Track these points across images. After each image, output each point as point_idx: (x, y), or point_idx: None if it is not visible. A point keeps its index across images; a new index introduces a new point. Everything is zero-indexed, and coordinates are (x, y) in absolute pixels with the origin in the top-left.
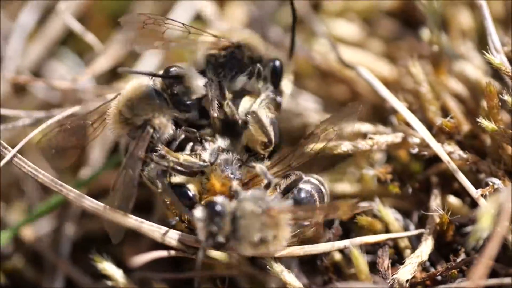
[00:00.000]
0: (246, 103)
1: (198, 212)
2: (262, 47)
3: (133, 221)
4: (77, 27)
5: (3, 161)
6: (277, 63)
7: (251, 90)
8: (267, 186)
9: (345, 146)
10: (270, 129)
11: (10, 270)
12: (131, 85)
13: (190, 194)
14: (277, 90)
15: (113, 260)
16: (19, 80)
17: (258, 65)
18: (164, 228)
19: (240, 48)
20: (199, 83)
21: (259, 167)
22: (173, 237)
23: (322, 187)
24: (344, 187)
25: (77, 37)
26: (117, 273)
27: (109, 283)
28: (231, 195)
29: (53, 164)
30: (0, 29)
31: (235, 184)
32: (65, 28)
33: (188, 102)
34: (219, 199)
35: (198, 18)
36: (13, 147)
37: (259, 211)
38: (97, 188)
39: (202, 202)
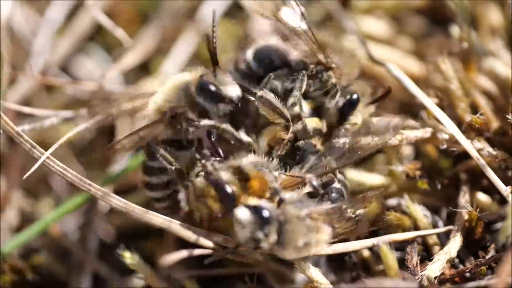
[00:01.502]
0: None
1: (243, 215)
2: (352, 74)
3: (160, 219)
4: (106, 22)
5: (36, 164)
6: (354, 97)
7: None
8: (312, 195)
9: (375, 141)
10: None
11: (38, 265)
12: (171, 81)
13: (229, 189)
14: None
15: (141, 257)
16: (47, 79)
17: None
18: (193, 228)
19: (328, 71)
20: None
21: (309, 176)
22: (202, 235)
23: (347, 183)
24: (373, 182)
25: (105, 32)
26: (145, 269)
27: (138, 279)
28: (271, 197)
29: (83, 159)
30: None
31: (277, 186)
32: (93, 23)
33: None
34: (265, 204)
35: (228, 14)
36: (40, 146)
37: (303, 215)
38: (124, 185)
39: (245, 204)
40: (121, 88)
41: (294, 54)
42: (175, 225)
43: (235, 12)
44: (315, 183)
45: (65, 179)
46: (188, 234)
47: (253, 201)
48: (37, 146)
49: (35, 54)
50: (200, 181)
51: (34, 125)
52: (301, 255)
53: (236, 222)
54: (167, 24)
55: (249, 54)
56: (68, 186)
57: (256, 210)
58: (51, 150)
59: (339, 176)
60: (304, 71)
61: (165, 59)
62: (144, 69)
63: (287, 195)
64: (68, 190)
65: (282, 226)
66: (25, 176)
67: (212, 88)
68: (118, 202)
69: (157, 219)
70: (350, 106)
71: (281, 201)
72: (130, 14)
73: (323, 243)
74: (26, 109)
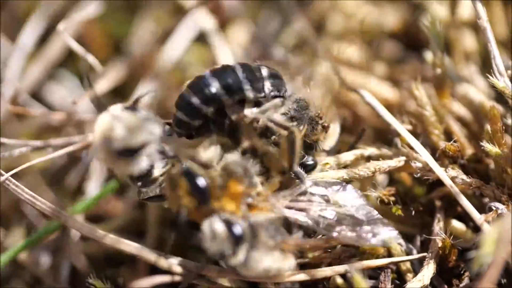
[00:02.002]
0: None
1: (217, 227)
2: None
3: (132, 247)
4: (77, 48)
5: None
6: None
7: None
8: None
9: (347, 174)
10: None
11: None
12: None
13: (202, 182)
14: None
15: (112, 285)
16: (18, 107)
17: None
18: (164, 254)
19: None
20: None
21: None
22: (173, 262)
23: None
24: None
25: (76, 58)
26: None
27: None
28: (243, 215)
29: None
30: None
31: (244, 209)
32: (64, 49)
33: None
34: (239, 222)
35: (200, 39)
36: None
37: (273, 244)
38: (95, 213)
39: (221, 216)
40: (93, 114)
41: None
42: (146, 252)
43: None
44: (285, 213)
45: (35, 207)
46: (159, 261)
47: (227, 215)
48: (12, 179)
49: (5, 81)
50: (174, 171)
51: (3, 153)
52: (261, 277)
53: (208, 231)
54: (139, 50)
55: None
56: (40, 215)
57: (229, 225)
58: (11, 172)
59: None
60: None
61: (136, 86)
62: (117, 95)
63: (260, 217)
64: (40, 219)
65: (250, 251)
66: None
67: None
68: (89, 230)
69: (129, 246)
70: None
71: (248, 222)
72: (102, 40)
73: (287, 269)
74: None
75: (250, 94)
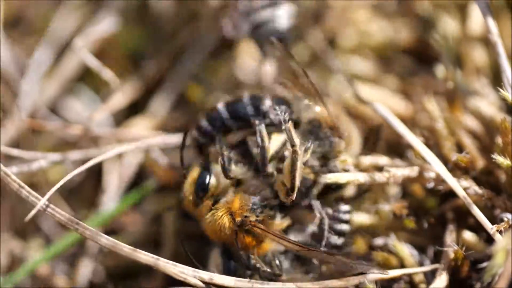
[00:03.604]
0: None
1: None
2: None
3: (148, 257)
4: (93, 63)
5: (34, 210)
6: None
7: None
8: None
9: (363, 178)
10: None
11: None
12: None
13: (207, 180)
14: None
15: None
16: (35, 121)
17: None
18: (180, 265)
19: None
20: None
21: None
22: (189, 273)
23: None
24: (361, 221)
25: (93, 73)
26: None
27: None
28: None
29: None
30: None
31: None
32: (81, 64)
33: None
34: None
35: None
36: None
37: None
38: (113, 225)
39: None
40: (109, 129)
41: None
42: (162, 263)
43: (222, 51)
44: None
45: (54, 219)
46: (176, 271)
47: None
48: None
49: (23, 96)
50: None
51: (22, 167)
52: None
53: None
54: (154, 65)
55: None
56: (57, 227)
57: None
58: (48, 195)
59: None
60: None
61: (153, 99)
62: (133, 109)
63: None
64: (57, 231)
65: None
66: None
67: None
68: (106, 241)
69: (145, 257)
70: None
71: None
72: (118, 55)
73: None
74: (14, 151)
75: (256, 121)
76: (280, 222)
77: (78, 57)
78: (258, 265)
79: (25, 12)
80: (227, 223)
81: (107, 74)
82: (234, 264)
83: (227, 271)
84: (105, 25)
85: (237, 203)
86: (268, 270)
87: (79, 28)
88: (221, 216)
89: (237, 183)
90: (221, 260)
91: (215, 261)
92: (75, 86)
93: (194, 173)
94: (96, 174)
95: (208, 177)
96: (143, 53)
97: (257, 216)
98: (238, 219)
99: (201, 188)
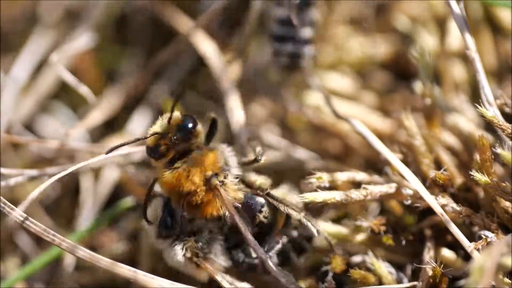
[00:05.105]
0: None
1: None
2: None
3: (127, 270)
4: (70, 79)
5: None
6: None
7: None
8: None
9: (339, 196)
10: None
11: None
12: None
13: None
14: None
15: None
16: (12, 137)
17: None
18: (158, 278)
19: None
20: None
21: None
22: (167, 286)
23: None
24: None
25: (70, 90)
26: None
27: None
28: None
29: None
30: None
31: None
32: (58, 81)
33: None
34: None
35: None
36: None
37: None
38: (90, 243)
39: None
40: (86, 145)
41: None
42: (140, 276)
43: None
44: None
45: (30, 233)
46: (154, 285)
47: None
48: (6, 202)
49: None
50: None
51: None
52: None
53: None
54: (132, 81)
55: None
56: (34, 245)
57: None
58: (24, 204)
59: None
60: None
61: (130, 117)
62: (110, 126)
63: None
64: (34, 249)
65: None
66: None
67: None
68: (84, 253)
69: (123, 270)
70: None
71: None
72: (94, 71)
73: None
74: None
75: None
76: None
77: (55, 73)
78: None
79: (2, 28)
80: (197, 176)
81: (84, 90)
82: (171, 221)
83: (163, 225)
84: (82, 41)
85: (211, 158)
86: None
87: (56, 45)
88: (191, 168)
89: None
90: (160, 212)
91: (154, 212)
92: (51, 103)
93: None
94: (72, 192)
95: (192, 122)
96: (120, 70)
97: (223, 179)
98: (208, 172)
99: (184, 132)
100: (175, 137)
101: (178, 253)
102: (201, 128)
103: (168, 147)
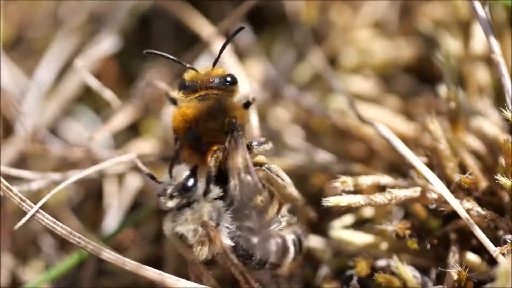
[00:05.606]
0: None
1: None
2: None
3: (153, 273)
4: (94, 83)
5: (27, 216)
6: None
7: None
8: None
9: (364, 200)
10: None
11: None
12: None
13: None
14: None
15: None
16: (36, 142)
17: None
18: (183, 280)
19: None
20: None
21: None
22: None
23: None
24: (363, 241)
25: (93, 94)
26: None
27: None
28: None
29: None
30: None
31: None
32: (81, 85)
33: None
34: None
35: None
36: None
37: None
38: (114, 246)
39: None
40: (110, 150)
41: None
42: (167, 278)
43: None
44: None
45: (54, 237)
46: (181, 287)
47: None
48: (27, 200)
49: (23, 116)
50: None
51: (22, 187)
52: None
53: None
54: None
55: None
56: (57, 248)
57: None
58: (41, 202)
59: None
60: None
61: (154, 119)
62: (133, 130)
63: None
64: (57, 252)
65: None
66: (16, 226)
67: None
68: (110, 255)
69: (149, 272)
70: None
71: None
72: (118, 75)
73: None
74: (14, 171)
75: None
76: None
77: (79, 77)
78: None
79: (26, 32)
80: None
81: (108, 94)
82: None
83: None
84: (106, 45)
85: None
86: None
87: (79, 49)
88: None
89: None
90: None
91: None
92: (75, 107)
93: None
94: (96, 196)
95: (233, 78)
96: (143, 74)
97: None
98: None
99: (222, 81)
100: (211, 80)
101: (188, 218)
102: (238, 89)
103: (202, 85)
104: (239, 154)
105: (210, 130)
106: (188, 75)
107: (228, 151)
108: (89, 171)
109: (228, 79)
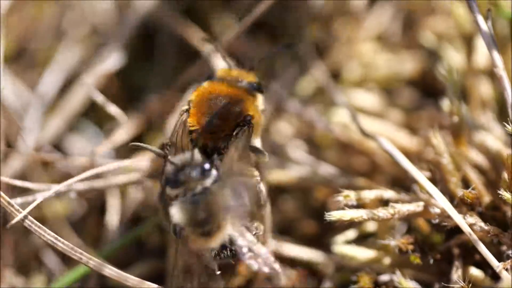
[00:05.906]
0: None
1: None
2: None
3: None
4: (99, 99)
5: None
6: None
7: None
8: None
9: (366, 214)
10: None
11: None
12: None
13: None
14: None
15: None
16: (39, 155)
17: None
18: None
19: None
20: None
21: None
22: None
23: None
24: (365, 256)
25: (96, 108)
26: None
27: None
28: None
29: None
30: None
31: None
32: (85, 98)
33: None
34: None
35: None
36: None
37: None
38: (116, 261)
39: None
40: (113, 161)
41: None
42: None
43: None
44: None
45: (56, 251)
46: None
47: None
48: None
49: (26, 130)
50: None
51: (26, 198)
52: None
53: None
54: (158, 99)
55: None
56: (60, 263)
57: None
58: (28, 208)
59: None
60: None
61: (157, 134)
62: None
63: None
64: (60, 267)
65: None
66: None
67: None
68: (112, 271)
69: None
70: None
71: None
72: (121, 89)
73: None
74: (17, 182)
75: None
76: None
77: (83, 91)
78: None
79: (28, 44)
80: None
81: (113, 109)
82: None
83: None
84: (111, 61)
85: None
86: None
87: (83, 61)
88: None
89: None
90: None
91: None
92: (78, 121)
93: None
94: (99, 210)
95: (260, 85)
96: (146, 88)
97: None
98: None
99: (249, 85)
100: (240, 80)
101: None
102: (261, 99)
103: (230, 82)
104: (239, 145)
105: (227, 115)
106: (221, 70)
107: (231, 141)
108: (91, 172)
109: (255, 84)
